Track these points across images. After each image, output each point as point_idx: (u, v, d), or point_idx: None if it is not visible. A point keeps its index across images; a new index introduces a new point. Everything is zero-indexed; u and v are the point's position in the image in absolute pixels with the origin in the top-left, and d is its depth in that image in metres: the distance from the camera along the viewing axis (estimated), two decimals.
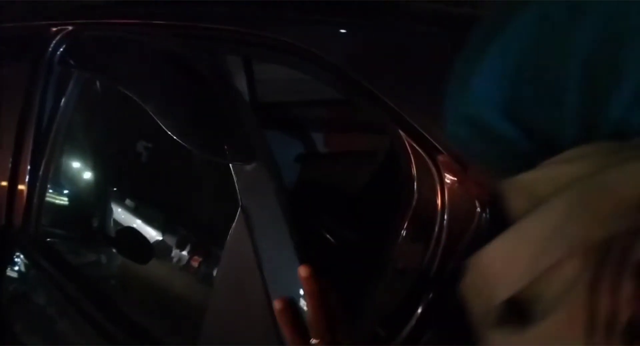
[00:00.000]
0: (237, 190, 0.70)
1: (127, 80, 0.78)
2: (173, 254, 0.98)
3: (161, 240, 1.01)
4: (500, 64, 0.38)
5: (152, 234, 1.02)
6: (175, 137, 0.69)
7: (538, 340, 0.32)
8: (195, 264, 0.96)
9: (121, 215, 1.05)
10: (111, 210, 1.05)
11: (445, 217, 0.74)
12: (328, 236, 1.14)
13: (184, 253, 0.97)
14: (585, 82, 0.35)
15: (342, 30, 0.89)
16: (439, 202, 0.78)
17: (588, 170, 0.33)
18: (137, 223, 1.03)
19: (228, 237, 0.72)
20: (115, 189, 1.11)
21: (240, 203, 0.69)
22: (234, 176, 0.72)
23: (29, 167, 1.03)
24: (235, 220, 0.70)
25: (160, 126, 0.72)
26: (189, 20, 0.98)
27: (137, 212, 1.04)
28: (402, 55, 0.84)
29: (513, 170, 0.38)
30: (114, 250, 1.07)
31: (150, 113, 0.71)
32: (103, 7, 1.17)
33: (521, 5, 0.38)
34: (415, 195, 0.75)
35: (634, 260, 0.29)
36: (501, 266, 0.36)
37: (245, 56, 1.59)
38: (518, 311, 0.35)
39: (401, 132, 0.78)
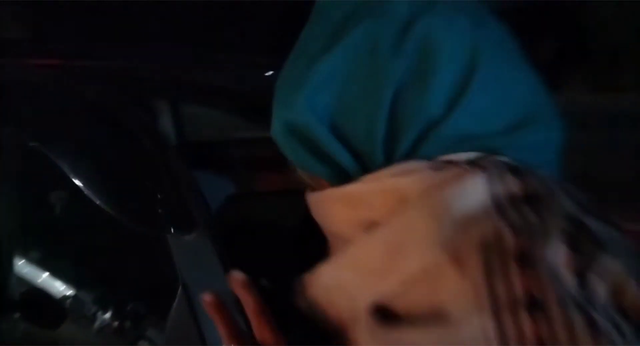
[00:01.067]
0: (177, 266, 0.61)
1: (43, 136, 0.69)
2: (92, 317, 0.87)
3: (77, 301, 0.90)
4: (329, 81, 0.41)
5: (66, 294, 0.91)
6: (101, 205, 0.60)
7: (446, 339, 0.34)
8: (118, 330, 0.85)
9: (28, 273, 0.94)
10: (16, 268, 0.93)
11: None
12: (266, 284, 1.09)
13: (106, 317, 0.85)
14: (391, 115, 0.40)
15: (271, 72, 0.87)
16: None
17: (420, 186, 0.37)
18: (47, 282, 0.91)
19: (169, 318, 0.63)
20: (22, 245, 0.98)
21: (180, 281, 0.60)
22: (171, 248, 0.62)
23: None
24: (177, 300, 0.62)
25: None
26: (115, 61, 0.92)
27: (48, 269, 0.93)
28: None
29: (333, 179, 0.42)
30: (17, 315, 0.94)
31: (69, 175, 0.62)
32: (21, 44, 1.07)
33: (354, 24, 0.41)
34: None
35: (513, 251, 0.33)
36: (356, 276, 0.37)
37: (174, 99, 1.53)
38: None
39: None
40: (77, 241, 0.99)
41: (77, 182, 0.62)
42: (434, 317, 0.35)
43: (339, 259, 0.40)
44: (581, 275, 0.33)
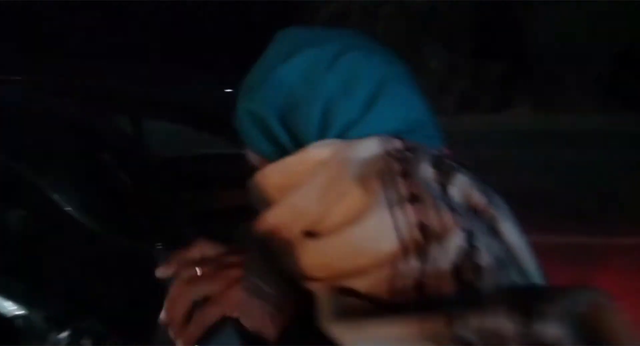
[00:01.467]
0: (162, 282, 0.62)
1: (22, 155, 0.67)
2: (47, 338, 0.85)
3: (29, 321, 0.88)
4: (282, 85, 0.56)
5: (17, 314, 0.88)
6: (85, 221, 0.59)
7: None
8: None
9: None
10: None
11: None
12: None
13: (61, 336, 0.84)
14: (322, 114, 0.55)
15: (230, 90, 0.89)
16: None
17: (334, 150, 0.53)
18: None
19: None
20: None
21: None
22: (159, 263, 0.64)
23: None
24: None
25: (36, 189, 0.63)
26: (76, 77, 0.91)
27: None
28: None
29: (277, 158, 0.56)
30: None
31: (51, 196, 0.62)
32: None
33: (302, 49, 0.57)
34: None
35: (398, 170, 0.50)
36: (292, 214, 0.52)
37: (136, 115, 1.52)
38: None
39: None
40: (31, 259, 0.96)
41: (59, 200, 0.63)
42: (347, 223, 0.49)
43: (279, 205, 0.54)
44: (443, 185, 0.51)
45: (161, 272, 0.50)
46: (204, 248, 0.51)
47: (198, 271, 0.49)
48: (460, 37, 8.59)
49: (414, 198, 0.48)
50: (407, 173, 0.50)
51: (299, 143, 0.57)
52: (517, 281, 0.48)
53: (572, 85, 8.11)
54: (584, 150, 5.35)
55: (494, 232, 0.51)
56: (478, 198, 0.51)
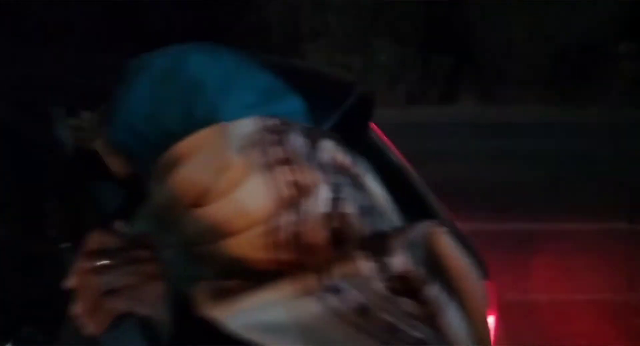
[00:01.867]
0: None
1: None
2: None
3: None
4: (141, 97, 0.61)
5: None
6: None
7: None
8: None
9: None
10: None
11: None
12: None
13: None
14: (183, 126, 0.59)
15: None
16: None
17: (216, 130, 0.58)
18: None
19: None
20: None
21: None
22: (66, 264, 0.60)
23: None
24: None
25: None
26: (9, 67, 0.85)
27: None
28: None
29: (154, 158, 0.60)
30: None
31: None
32: None
33: (144, 64, 0.63)
34: None
35: (270, 139, 0.57)
36: (177, 187, 0.56)
37: (71, 105, 1.44)
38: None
39: None
40: None
41: None
42: (230, 189, 0.54)
43: (167, 182, 0.57)
44: (312, 149, 0.58)
45: (69, 282, 0.48)
46: (102, 239, 0.49)
47: (104, 262, 0.47)
48: (408, 31, 8.73)
49: (287, 161, 0.56)
50: (280, 142, 0.57)
51: (174, 137, 0.60)
52: (379, 225, 0.58)
53: (514, 80, 8.44)
54: (526, 140, 5.58)
55: (358, 185, 0.59)
56: (343, 158, 0.60)
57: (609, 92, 7.14)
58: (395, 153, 1.20)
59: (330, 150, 0.59)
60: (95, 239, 0.49)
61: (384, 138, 1.24)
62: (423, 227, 0.56)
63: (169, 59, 0.63)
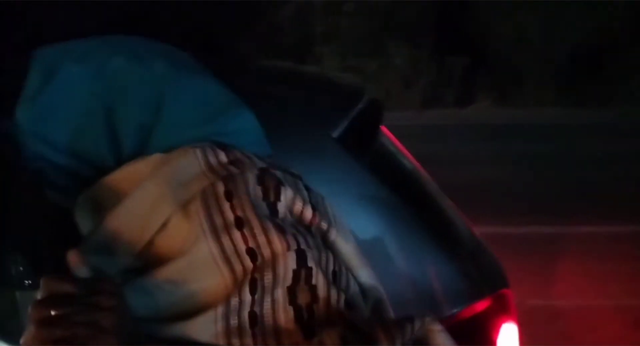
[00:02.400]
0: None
1: None
2: None
3: None
4: (49, 114, 0.52)
5: None
6: None
7: (174, 274, 0.45)
8: None
9: None
10: None
11: None
12: None
13: None
14: (107, 130, 0.53)
15: None
16: None
17: (152, 166, 0.50)
18: None
19: None
20: None
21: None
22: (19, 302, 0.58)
23: None
24: None
25: None
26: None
27: None
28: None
29: (76, 191, 0.52)
30: None
31: None
32: None
33: (63, 61, 0.54)
34: None
35: (223, 192, 0.47)
36: (114, 240, 0.47)
37: None
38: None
39: None
40: None
41: None
42: (172, 256, 0.46)
43: (100, 228, 0.49)
44: (270, 202, 0.49)
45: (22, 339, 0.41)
46: (55, 285, 0.42)
47: (52, 312, 0.41)
48: (422, 33, 8.68)
49: (240, 223, 0.46)
50: (231, 194, 0.47)
51: (99, 169, 0.52)
52: (351, 287, 0.50)
53: (531, 81, 8.33)
54: (544, 142, 5.49)
55: (325, 244, 0.50)
56: (305, 211, 0.51)
57: (628, 92, 6.99)
58: (408, 157, 1.17)
59: (291, 201, 0.50)
60: (48, 285, 0.42)
61: (397, 142, 1.21)
62: (420, 324, 0.48)
63: (87, 66, 0.53)
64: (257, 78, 1.04)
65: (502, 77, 8.40)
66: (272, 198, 0.50)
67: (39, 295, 0.42)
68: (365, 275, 0.54)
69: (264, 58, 7.82)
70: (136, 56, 0.55)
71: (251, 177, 0.50)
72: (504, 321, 0.88)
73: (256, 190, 0.49)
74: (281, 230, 0.47)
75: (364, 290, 0.53)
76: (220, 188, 0.48)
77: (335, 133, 0.85)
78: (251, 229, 0.46)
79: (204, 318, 0.44)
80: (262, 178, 0.50)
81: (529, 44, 8.39)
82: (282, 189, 0.51)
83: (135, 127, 0.53)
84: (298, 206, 0.51)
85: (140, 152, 0.53)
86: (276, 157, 0.79)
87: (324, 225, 0.52)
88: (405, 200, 0.90)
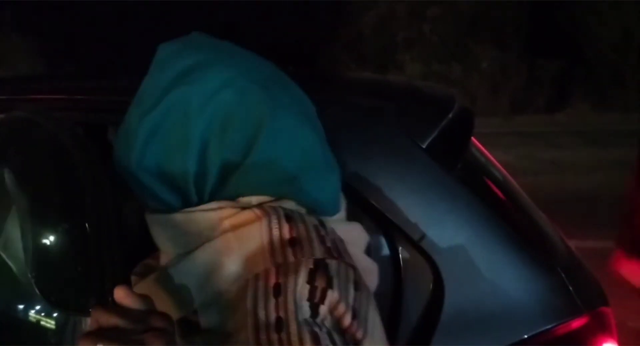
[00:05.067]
0: None
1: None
2: None
3: None
4: (154, 133, 0.55)
5: None
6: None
7: (218, 340, 0.51)
8: None
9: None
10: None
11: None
12: None
13: None
14: (199, 166, 0.54)
15: None
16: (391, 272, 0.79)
17: (226, 216, 0.53)
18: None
19: None
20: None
21: None
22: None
23: None
24: None
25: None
26: (122, 94, 0.94)
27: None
28: (343, 127, 0.85)
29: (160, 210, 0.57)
30: None
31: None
32: (26, 80, 1.10)
33: (175, 86, 0.55)
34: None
35: (273, 285, 0.50)
36: (170, 293, 0.52)
37: None
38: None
39: (354, 207, 0.78)
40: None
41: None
42: (217, 331, 0.51)
43: (162, 273, 0.54)
44: (314, 303, 0.51)
45: None
46: (101, 317, 0.44)
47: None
48: (510, 35, 8.31)
49: (280, 326, 0.49)
50: (279, 291, 0.50)
51: (180, 194, 0.57)
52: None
53: (632, 83, 7.66)
54: None
55: None
56: (345, 317, 0.53)
57: None
58: (499, 168, 1.14)
59: (333, 304, 0.52)
60: (98, 316, 0.44)
61: (486, 152, 1.19)
62: None
63: (199, 94, 0.54)
64: (347, 88, 1.07)
65: (600, 79, 7.81)
66: (316, 299, 0.51)
67: (88, 327, 0.44)
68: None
69: (347, 66, 7.89)
70: (244, 89, 0.55)
71: (303, 273, 0.51)
72: (603, 341, 0.84)
73: (303, 289, 0.51)
74: (316, 339, 0.49)
75: None
76: (272, 279, 0.51)
77: (424, 144, 0.86)
78: (288, 334, 0.49)
79: None
80: (314, 274, 0.51)
81: (630, 42, 7.73)
82: (329, 293, 0.52)
83: (221, 165, 0.55)
84: (340, 310, 0.52)
85: (218, 190, 0.56)
86: (364, 167, 0.82)
87: (359, 335, 0.53)
88: (495, 211, 0.89)
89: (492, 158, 1.19)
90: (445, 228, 0.82)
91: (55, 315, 0.89)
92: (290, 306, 0.50)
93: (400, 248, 0.83)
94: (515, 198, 1.08)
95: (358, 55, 8.31)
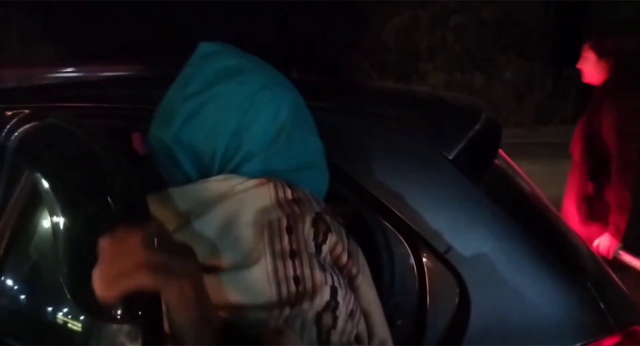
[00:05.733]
0: None
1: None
2: None
3: None
4: (196, 115, 0.66)
5: None
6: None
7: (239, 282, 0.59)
8: None
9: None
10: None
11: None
12: None
13: None
14: (226, 149, 0.66)
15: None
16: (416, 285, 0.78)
17: (238, 183, 0.64)
18: None
19: None
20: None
21: None
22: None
23: None
24: None
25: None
26: (145, 103, 0.96)
27: None
28: (369, 137, 0.85)
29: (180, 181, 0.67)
30: None
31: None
32: (58, 89, 1.13)
33: (222, 81, 0.67)
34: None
35: (285, 226, 0.61)
36: (192, 242, 0.55)
37: None
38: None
39: (380, 218, 0.78)
40: None
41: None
42: (239, 266, 0.58)
43: (182, 231, 0.62)
44: (318, 243, 0.62)
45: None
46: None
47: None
48: (535, 44, 8.21)
49: (293, 254, 0.59)
50: (291, 230, 0.60)
51: (202, 171, 0.66)
52: (361, 325, 0.62)
53: None
54: None
55: (351, 286, 0.63)
56: (342, 256, 0.64)
57: None
58: (526, 180, 1.12)
59: (333, 246, 0.63)
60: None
61: (512, 163, 1.17)
62: None
63: (242, 91, 0.66)
64: (372, 99, 1.07)
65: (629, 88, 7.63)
66: (320, 239, 0.62)
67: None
68: (378, 318, 0.66)
69: (369, 75, 7.89)
70: (280, 94, 0.68)
71: (308, 219, 0.62)
72: None
73: (309, 231, 0.61)
74: (323, 267, 0.60)
75: (372, 334, 0.65)
76: (284, 222, 0.61)
77: (451, 155, 0.85)
78: (301, 261, 0.58)
79: (250, 315, 0.57)
80: (317, 221, 0.62)
81: None
82: (329, 235, 0.62)
83: (244, 154, 0.66)
84: (338, 250, 0.63)
85: (236, 169, 0.67)
86: (390, 179, 0.82)
87: (354, 271, 0.65)
88: (522, 224, 0.87)
89: (518, 169, 1.17)
90: (471, 241, 0.81)
91: (82, 318, 0.91)
92: (302, 241, 0.60)
93: (425, 260, 0.82)
94: (543, 211, 1.06)
95: (380, 64, 8.31)
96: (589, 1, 7.83)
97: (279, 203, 0.61)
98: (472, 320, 0.78)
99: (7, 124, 0.95)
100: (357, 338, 0.61)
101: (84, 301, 0.58)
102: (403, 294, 0.82)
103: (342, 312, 0.59)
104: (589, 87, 2.10)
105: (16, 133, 0.96)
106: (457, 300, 0.80)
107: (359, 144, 0.86)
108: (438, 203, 0.82)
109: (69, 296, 0.59)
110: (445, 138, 0.87)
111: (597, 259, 1.05)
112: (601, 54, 2.00)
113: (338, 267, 0.62)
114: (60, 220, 0.62)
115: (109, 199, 0.59)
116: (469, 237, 0.81)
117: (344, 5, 8.51)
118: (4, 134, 0.95)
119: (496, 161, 1.04)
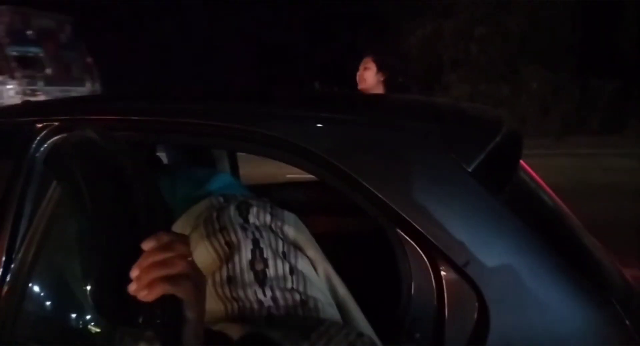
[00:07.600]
0: None
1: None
2: None
3: None
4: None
5: None
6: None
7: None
8: None
9: None
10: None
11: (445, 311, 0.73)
12: None
13: None
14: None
15: (325, 125, 0.90)
16: (435, 298, 0.77)
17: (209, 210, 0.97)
18: None
19: None
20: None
21: None
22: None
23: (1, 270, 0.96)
24: None
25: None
26: (173, 116, 0.98)
27: None
28: (389, 149, 0.85)
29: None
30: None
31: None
32: (87, 102, 1.17)
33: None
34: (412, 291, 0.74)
35: (215, 216, 0.95)
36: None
37: (233, 150, 1.62)
38: None
39: (399, 231, 0.78)
40: None
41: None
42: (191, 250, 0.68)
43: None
44: (244, 216, 0.94)
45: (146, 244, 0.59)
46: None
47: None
48: (562, 55, 8.08)
49: (222, 229, 0.87)
50: (219, 217, 0.91)
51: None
52: (292, 260, 0.86)
53: None
54: None
55: (277, 234, 0.89)
56: (265, 216, 0.93)
57: None
58: (549, 193, 1.11)
59: (256, 213, 0.92)
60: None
61: (535, 175, 1.16)
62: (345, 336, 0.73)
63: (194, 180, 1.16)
64: (391, 110, 1.07)
65: None
66: (244, 214, 0.92)
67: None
68: (311, 252, 0.92)
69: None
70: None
71: (233, 207, 0.93)
72: None
73: (235, 212, 0.92)
74: (244, 228, 0.87)
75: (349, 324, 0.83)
76: (214, 214, 0.92)
77: (471, 167, 0.85)
78: (227, 232, 0.87)
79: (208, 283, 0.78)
80: (240, 206, 0.94)
81: None
82: (251, 209, 0.93)
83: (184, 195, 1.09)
84: (261, 214, 0.93)
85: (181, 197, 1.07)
86: (409, 191, 0.81)
87: (278, 223, 0.92)
88: (544, 238, 0.85)
89: (541, 181, 1.15)
90: (491, 254, 0.80)
91: (104, 324, 0.93)
92: (228, 220, 0.89)
93: (444, 273, 0.81)
94: (567, 225, 1.04)
95: (404, 75, 8.30)
96: (617, 12, 7.69)
97: (212, 205, 0.96)
98: (492, 335, 0.77)
99: (38, 136, 1.00)
100: (303, 303, 0.77)
101: (107, 307, 0.60)
102: (421, 307, 0.81)
103: (269, 255, 0.83)
104: (618, 99, 2.05)
105: (45, 145, 1.00)
106: (476, 314, 0.79)
107: (378, 156, 0.86)
108: (457, 216, 0.81)
109: (91, 302, 0.61)
110: (465, 150, 0.86)
111: (623, 274, 1.02)
112: None
113: (267, 227, 0.90)
114: (87, 229, 0.64)
115: (133, 208, 0.61)
116: (488, 251, 0.80)
117: (369, 18, 8.52)
118: (34, 145, 0.99)
119: (518, 173, 1.03)
